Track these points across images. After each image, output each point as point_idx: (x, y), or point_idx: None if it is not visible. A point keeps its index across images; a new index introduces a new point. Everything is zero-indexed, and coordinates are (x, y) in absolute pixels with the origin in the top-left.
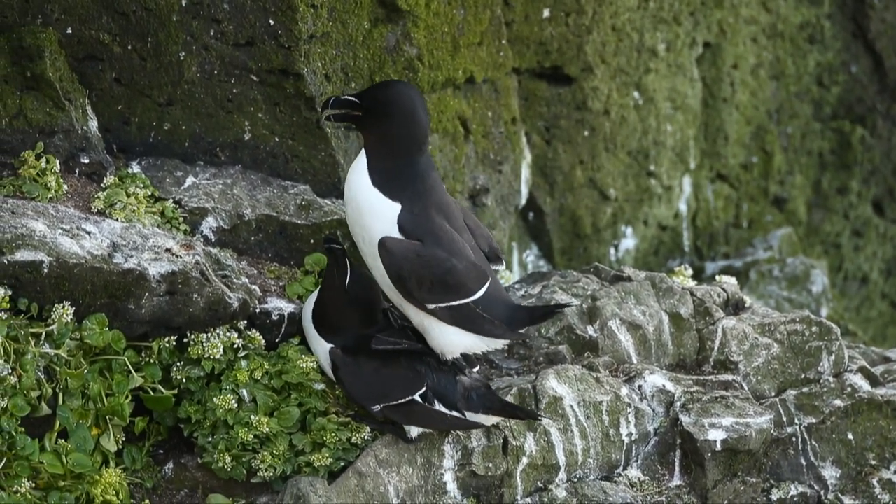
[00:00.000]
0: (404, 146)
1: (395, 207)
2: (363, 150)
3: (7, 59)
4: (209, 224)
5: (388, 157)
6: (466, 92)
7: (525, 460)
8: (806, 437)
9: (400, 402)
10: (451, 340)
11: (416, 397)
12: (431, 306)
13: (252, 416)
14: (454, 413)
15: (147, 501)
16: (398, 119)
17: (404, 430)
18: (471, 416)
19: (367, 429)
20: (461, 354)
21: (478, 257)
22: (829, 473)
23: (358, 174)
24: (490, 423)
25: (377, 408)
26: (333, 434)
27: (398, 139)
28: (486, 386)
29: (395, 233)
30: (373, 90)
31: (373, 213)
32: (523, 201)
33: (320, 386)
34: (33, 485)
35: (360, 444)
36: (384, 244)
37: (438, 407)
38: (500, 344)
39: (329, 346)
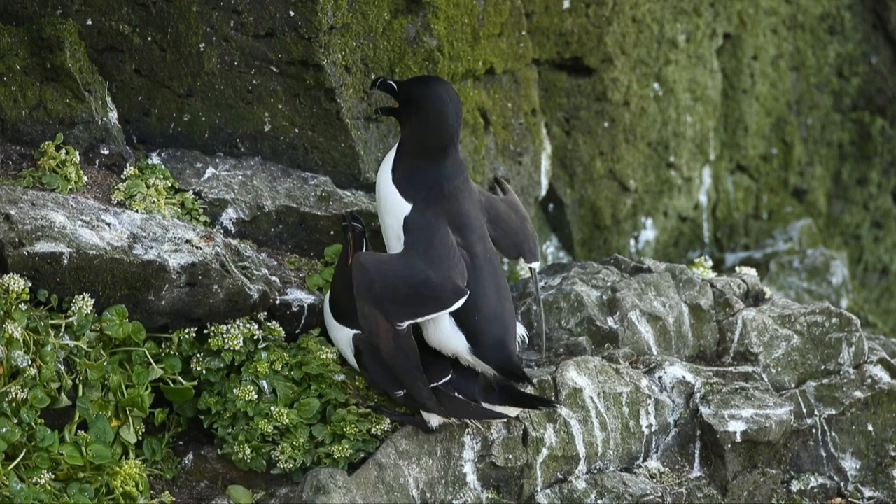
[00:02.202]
0: (429, 146)
1: (406, 207)
2: (398, 142)
3: (27, 50)
4: (229, 215)
5: (414, 154)
6: (486, 83)
7: (545, 452)
8: (826, 428)
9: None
10: (446, 342)
11: (441, 385)
12: (404, 324)
13: (272, 408)
14: (475, 403)
15: (167, 493)
16: (426, 117)
17: (423, 420)
18: (489, 408)
19: (387, 420)
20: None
21: (484, 280)
22: (849, 465)
23: (385, 166)
24: (512, 414)
25: (400, 393)
26: (353, 425)
27: (424, 137)
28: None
29: (400, 231)
30: (411, 82)
31: (387, 208)
32: (543, 192)
33: (340, 377)
34: (53, 476)
35: (381, 435)
36: (355, 265)
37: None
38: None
39: (351, 331)
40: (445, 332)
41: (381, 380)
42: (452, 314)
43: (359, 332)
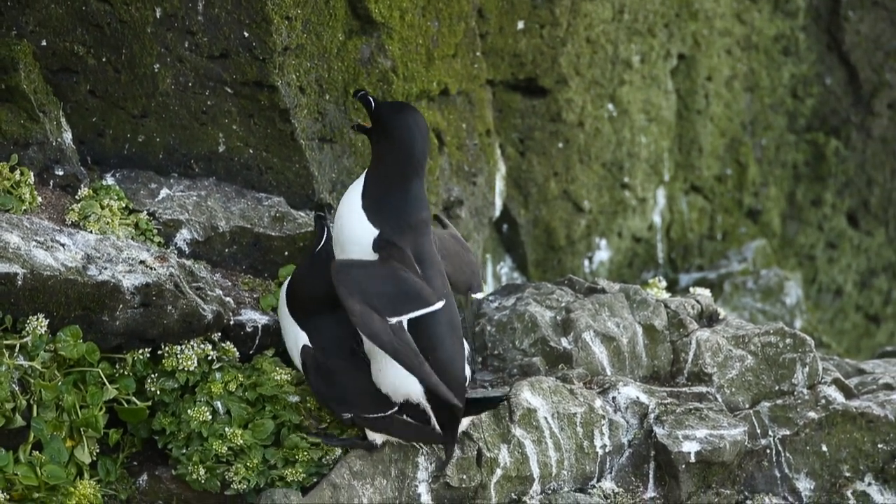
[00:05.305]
0: (395, 173)
1: (374, 233)
2: (367, 169)
3: None
4: (183, 236)
5: (382, 181)
6: (441, 104)
7: (499, 472)
8: (780, 448)
9: (375, 416)
10: (397, 383)
11: (393, 413)
12: (394, 319)
13: (226, 429)
14: (430, 426)
15: None
16: (394, 143)
17: (368, 438)
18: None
19: (338, 450)
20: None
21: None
22: (804, 485)
23: (353, 192)
24: (461, 427)
25: (347, 416)
26: (305, 453)
27: (391, 163)
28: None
29: (365, 255)
30: (385, 106)
31: (353, 234)
32: (497, 213)
33: (295, 398)
34: (8, 497)
35: (331, 464)
36: (335, 267)
37: (407, 418)
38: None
39: (303, 334)
40: (398, 373)
41: (328, 398)
42: None
43: (308, 345)
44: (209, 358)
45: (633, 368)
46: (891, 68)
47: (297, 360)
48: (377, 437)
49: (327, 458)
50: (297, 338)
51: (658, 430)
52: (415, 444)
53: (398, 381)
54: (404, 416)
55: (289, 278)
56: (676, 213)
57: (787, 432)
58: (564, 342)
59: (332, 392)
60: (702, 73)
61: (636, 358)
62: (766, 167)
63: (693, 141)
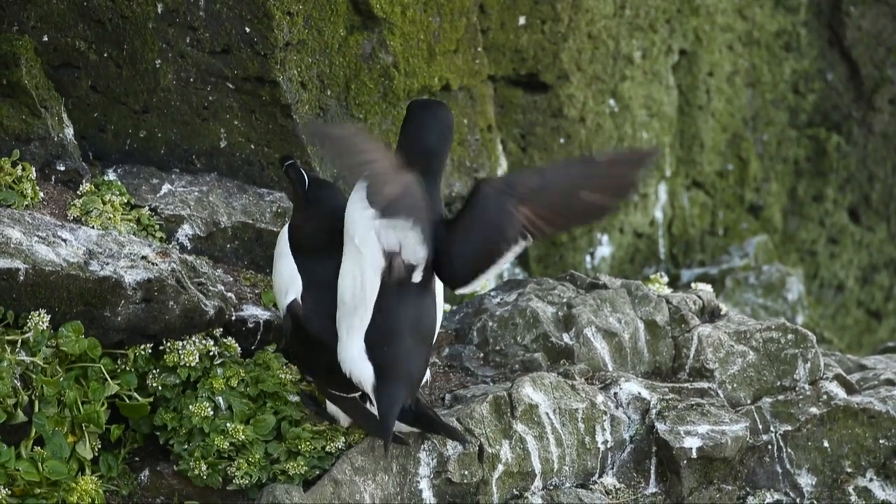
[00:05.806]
0: (409, 160)
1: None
2: None
3: None
4: (185, 231)
5: None
6: (442, 99)
7: (501, 468)
8: (782, 444)
9: (337, 394)
10: (355, 368)
11: (359, 396)
12: None
13: (228, 424)
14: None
15: None
16: (411, 130)
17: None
18: (400, 425)
19: (342, 437)
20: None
21: None
22: (805, 481)
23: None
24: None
25: (310, 379)
26: (308, 443)
27: (405, 151)
28: (417, 401)
29: (366, 246)
30: (415, 101)
31: (353, 216)
32: None
33: (296, 398)
34: (9, 492)
35: (335, 452)
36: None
37: (372, 409)
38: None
39: (297, 283)
40: (355, 356)
41: (298, 358)
42: (365, 340)
43: (298, 301)
44: (211, 353)
45: (634, 364)
46: (892, 64)
47: (283, 304)
48: (341, 419)
49: (330, 446)
50: (291, 281)
51: (660, 426)
52: (424, 438)
53: (353, 364)
54: (366, 404)
55: (287, 224)
56: (678, 209)
57: (789, 428)
58: (566, 338)
59: (306, 357)
60: (703, 69)
61: (638, 354)
62: (767, 163)
63: (694, 136)
